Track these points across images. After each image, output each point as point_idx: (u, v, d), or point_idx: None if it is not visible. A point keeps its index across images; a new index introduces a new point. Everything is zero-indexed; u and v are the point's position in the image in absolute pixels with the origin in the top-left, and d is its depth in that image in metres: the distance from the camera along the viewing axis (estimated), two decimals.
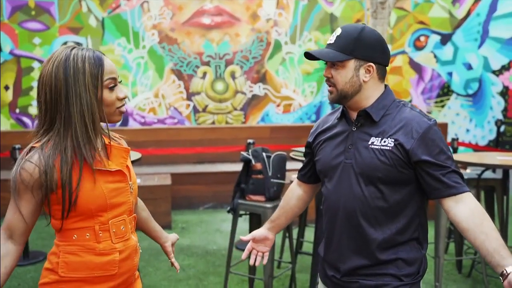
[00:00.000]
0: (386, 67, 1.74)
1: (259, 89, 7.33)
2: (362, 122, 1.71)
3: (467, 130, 8.09)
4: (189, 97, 7.16)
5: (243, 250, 4.41)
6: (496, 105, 8.05)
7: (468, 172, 4.33)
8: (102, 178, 1.52)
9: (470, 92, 8.02)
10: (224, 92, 7.26)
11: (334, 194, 1.74)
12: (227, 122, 7.26)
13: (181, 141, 6.58)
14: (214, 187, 5.92)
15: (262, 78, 7.33)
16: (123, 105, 1.56)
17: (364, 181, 1.67)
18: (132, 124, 7.00)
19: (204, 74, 7.18)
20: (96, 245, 1.52)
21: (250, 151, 3.46)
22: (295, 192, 2.03)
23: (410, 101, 7.83)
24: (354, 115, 1.74)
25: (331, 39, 1.71)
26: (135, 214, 1.67)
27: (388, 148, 1.63)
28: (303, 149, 3.72)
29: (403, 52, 7.77)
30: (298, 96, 7.45)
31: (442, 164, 1.62)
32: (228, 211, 3.47)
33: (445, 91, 7.96)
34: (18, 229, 1.49)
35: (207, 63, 7.17)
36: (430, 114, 7.92)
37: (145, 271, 4.10)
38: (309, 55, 1.72)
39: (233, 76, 7.26)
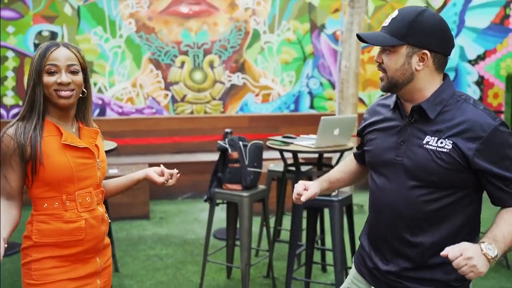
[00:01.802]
0: (448, 57, 1.60)
1: (237, 79, 7.32)
2: (417, 118, 1.59)
3: None
4: (167, 87, 7.11)
5: (221, 239, 4.43)
6: (471, 95, 8.16)
7: None
8: (70, 153, 1.74)
9: None
10: (202, 81, 7.22)
11: (381, 191, 1.66)
12: (206, 112, 7.24)
13: (159, 131, 6.55)
14: (193, 176, 5.90)
15: (240, 68, 7.31)
16: (62, 90, 1.72)
17: (415, 183, 1.56)
18: (110, 114, 6.94)
19: (182, 63, 7.14)
20: (64, 213, 1.73)
21: (226, 140, 3.46)
22: (354, 163, 1.94)
23: None
24: (408, 107, 1.61)
25: (387, 21, 1.59)
26: (102, 189, 1.88)
27: (445, 150, 1.51)
28: (279, 137, 3.75)
29: None
30: (277, 85, 7.45)
31: (505, 175, 1.50)
32: (205, 200, 3.48)
33: None
34: (9, 192, 1.73)
35: (185, 53, 7.12)
36: None
37: (123, 260, 4.08)
38: (360, 38, 1.61)
39: (211, 65, 7.22)
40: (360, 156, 1.90)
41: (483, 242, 1.43)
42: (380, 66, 1.60)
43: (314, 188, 1.81)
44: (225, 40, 7.21)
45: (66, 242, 1.74)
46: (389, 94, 1.74)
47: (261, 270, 3.92)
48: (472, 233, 1.61)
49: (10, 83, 6.69)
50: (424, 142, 1.55)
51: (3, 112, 6.73)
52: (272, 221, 4.32)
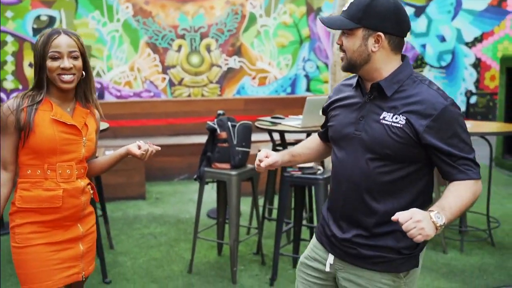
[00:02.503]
0: (404, 38, 1.67)
1: (234, 62, 7.38)
2: (375, 95, 1.68)
3: None
4: (164, 71, 7.19)
5: (214, 218, 4.54)
6: (468, 77, 8.20)
7: None
8: (58, 128, 1.91)
9: (443, 64, 8.15)
10: (199, 65, 7.30)
11: (340, 164, 1.75)
12: (203, 95, 7.32)
13: (156, 114, 6.65)
14: (189, 158, 6.00)
15: (237, 51, 7.38)
16: (65, 75, 1.90)
17: (371, 155, 1.65)
18: (108, 98, 7.03)
19: (179, 47, 7.21)
20: (44, 181, 1.91)
21: (215, 120, 3.55)
22: (317, 141, 2.03)
23: None
24: (368, 85, 1.71)
25: (346, 5, 1.68)
26: (85, 165, 2.03)
27: (399, 125, 1.60)
28: (268, 118, 3.83)
29: None
30: (273, 69, 7.52)
31: (452, 152, 1.59)
32: (195, 179, 3.58)
33: (419, 63, 8.08)
34: (7, 159, 1.91)
35: (182, 36, 7.19)
36: None
37: (118, 238, 4.21)
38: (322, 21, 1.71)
39: (208, 49, 7.29)
40: (323, 135, 1.99)
41: (432, 211, 1.52)
42: (341, 47, 1.69)
43: (275, 157, 1.90)
44: (221, 23, 7.27)
45: (45, 209, 1.90)
46: (349, 77, 1.85)
47: (251, 247, 4.03)
48: (425, 206, 1.67)
49: (9, 67, 6.79)
50: (381, 117, 1.64)
51: (3, 96, 6.83)
52: (261, 201, 4.42)
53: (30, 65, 6.76)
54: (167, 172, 6.09)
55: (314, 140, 2.05)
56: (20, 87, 6.82)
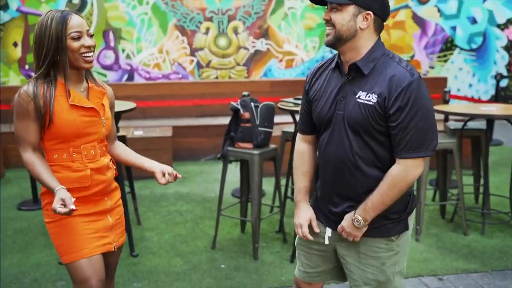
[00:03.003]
0: (384, 22, 1.79)
1: (261, 45, 7.43)
2: (353, 75, 1.80)
3: (470, 85, 8.14)
4: (192, 53, 7.30)
5: (238, 197, 4.65)
6: (500, 60, 8.06)
7: (454, 123, 4.47)
8: (77, 112, 1.95)
9: (474, 46, 8.02)
10: (227, 47, 7.37)
11: (327, 143, 1.87)
12: (230, 77, 7.41)
13: (184, 95, 6.77)
14: (215, 139, 6.11)
15: (264, 34, 7.42)
16: (88, 52, 1.93)
17: (352, 133, 1.79)
18: (138, 79, 7.19)
19: (207, 29, 7.29)
20: (71, 163, 1.97)
21: (239, 101, 3.64)
22: (307, 154, 2.04)
23: (412, 56, 7.86)
24: (346, 67, 1.82)
25: None
26: (106, 143, 2.10)
27: (371, 103, 1.74)
28: (291, 99, 3.89)
29: (406, 6, 7.75)
30: (300, 51, 7.54)
31: (399, 121, 1.71)
32: (219, 158, 3.68)
33: (449, 45, 7.97)
34: (33, 144, 1.94)
35: (210, 19, 7.27)
36: (432, 69, 7.96)
37: (145, 215, 4.36)
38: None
39: (235, 31, 7.35)
40: (308, 127, 2.02)
41: (355, 214, 1.82)
42: (328, 22, 1.79)
43: (311, 216, 2.01)
44: (249, 6, 7.31)
45: (75, 188, 1.95)
46: (323, 61, 1.97)
47: (274, 226, 4.13)
48: None
49: None
50: (357, 96, 1.78)
51: None
52: (285, 180, 4.50)
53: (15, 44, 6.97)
54: (194, 152, 6.23)
55: (303, 158, 2.04)
56: None
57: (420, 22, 7.83)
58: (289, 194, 4.31)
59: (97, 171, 2.00)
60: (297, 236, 2.06)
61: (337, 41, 1.78)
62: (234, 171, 4.71)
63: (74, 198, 1.83)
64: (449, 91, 5.03)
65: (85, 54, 1.92)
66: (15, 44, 6.93)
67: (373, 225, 1.84)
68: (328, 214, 1.94)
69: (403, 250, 1.92)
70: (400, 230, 1.87)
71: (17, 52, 6.95)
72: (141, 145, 5.31)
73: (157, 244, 3.81)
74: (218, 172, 5.67)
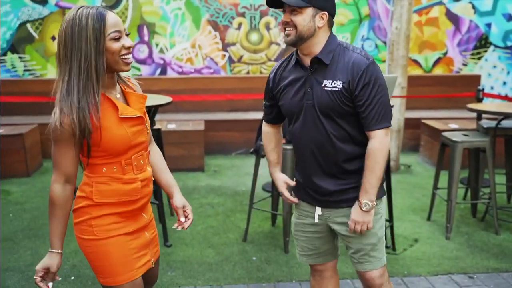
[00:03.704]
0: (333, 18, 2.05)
1: None
2: (316, 67, 2.01)
3: (504, 83, 8.01)
4: (224, 48, 7.38)
5: (268, 191, 4.72)
6: None
7: (487, 122, 4.44)
8: (127, 124, 1.78)
9: (509, 44, 7.88)
10: (258, 43, 7.43)
11: (302, 130, 2.08)
12: (261, 72, 7.47)
13: (215, 90, 6.87)
14: (246, 134, 6.20)
15: None
16: (128, 54, 1.73)
17: (324, 117, 2.01)
18: (170, 73, 7.31)
19: (239, 25, 7.36)
20: (122, 176, 1.80)
21: None
22: (273, 134, 2.33)
23: (445, 53, 7.79)
24: (307, 61, 2.03)
25: None
26: (149, 150, 1.96)
27: (337, 89, 1.96)
28: None
29: (440, 3, 7.67)
30: None
31: (364, 99, 1.95)
32: (251, 152, 3.76)
33: (483, 43, 7.85)
34: (71, 172, 1.74)
35: (242, 14, 7.33)
36: (465, 66, 7.87)
37: None
38: (272, 2, 1.99)
39: (267, 27, 7.40)
40: (274, 119, 2.28)
41: (360, 202, 2.02)
42: (289, 24, 1.97)
43: (285, 179, 2.31)
44: None
45: (125, 202, 1.82)
46: (280, 61, 2.18)
47: None
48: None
49: None
50: (323, 85, 1.99)
51: None
52: None
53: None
54: (225, 146, 6.33)
55: (271, 136, 2.33)
56: None
57: (453, 18, 7.73)
58: None
59: (144, 183, 1.87)
60: (292, 224, 2.31)
61: (299, 40, 1.97)
62: (264, 166, 4.78)
63: (59, 278, 1.78)
64: (483, 89, 4.99)
65: (125, 56, 1.72)
66: (53, 38, 7.12)
67: (357, 194, 2.06)
68: (315, 195, 2.15)
69: (384, 212, 2.21)
70: (381, 195, 2.13)
71: (55, 46, 7.14)
72: (174, 139, 5.43)
73: (190, 235, 3.91)
74: (249, 166, 5.75)
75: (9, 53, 7.10)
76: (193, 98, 6.38)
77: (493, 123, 4.28)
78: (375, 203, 2.04)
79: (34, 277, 1.75)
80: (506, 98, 7.24)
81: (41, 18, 7.04)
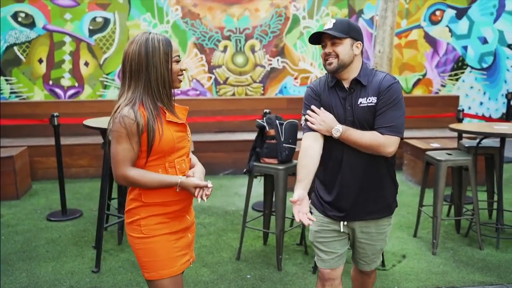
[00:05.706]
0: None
1: (277, 63, 7.64)
2: (354, 88, 2.28)
3: (481, 103, 8.29)
4: (210, 70, 7.52)
5: (259, 211, 4.81)
6: (510, 79, 8.22)
7: (468, 141, 4.63)
8: (172, 128, 2.04)
9: (485, 65, 8.19)
10: (244, 65, 7.59)
11: (341, 148, 2.28)
12: (246, 94, 7.61)
13: (202, 111, 6.97)
14: (234, 154, 6.30)
15: (280, 52, 7.63)
16: (182, 74, 2.09)
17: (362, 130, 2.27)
18: None
19: (225, 48, 7.51)
20: None
21: (264, 118, 3.82)
22: (315, 149, 2.28)
23: (424, 74, 8.05)
24: (346, 84, 2.30)
25: (329, 24, 2.27)
26: (190, 157, 2.19)
27: (372, 104, 2.24)
28: None
29: (418, 27, 7.96)
30: (315, 69, 7.74)
31: (382, 106, 2.20)
32: (245, 172, 3.85)
33: (460, 64, 8.15)
34: (134, 159, 1.98)
35: (228, 38, 7.49)
36: (443, 87, 8.14)
37: None
38: (314, 37, 2.27)
39: (252, 50, 7.57)
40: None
41: (337, 126, 2.24)
42: (331, 54, 2.24)
43: (298, 194, 2.22)
44: (265, 25, 7.54)
45: (170, 202, 2.03)
46: (316, 82, 2.38)
47: (295, 239, 4.29)
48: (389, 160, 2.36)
49: (67, 66, 7.24)
50: (359, 102, 2.25)
51: (60, 92, 7.29)
52: None
53: (85, 64, 7.20)
54: (213, 167, 6.41)
55: (310, 153, 2.26)
56: (76, 84, 7.27)
57: (432, 41, 8.02)
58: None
59: None
60: (311, 233, 2.48)
61: (341, 67, 2.24)
62: (256, 186, 4.88)
63: (210, 182, 2.01)
64: (463, 110, 5.20)
65: (180, 76, 2.08)
66: (40, 61, 7.17)
67: (382, 208, 2.35)
68: (340, 215, 2.37)
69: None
70: (394, 207, 2.45)
71: (42, 68, 7.20)
72: None
73: None
74: (237, 186, 5.84)
75: None
76: None
77: (474, 142, 4.47)
78: (339, 134, 2.21)
79: (200, 197, 2.01)
80: (483, 118, 7.51)
81: (28, 41, 7.10)
